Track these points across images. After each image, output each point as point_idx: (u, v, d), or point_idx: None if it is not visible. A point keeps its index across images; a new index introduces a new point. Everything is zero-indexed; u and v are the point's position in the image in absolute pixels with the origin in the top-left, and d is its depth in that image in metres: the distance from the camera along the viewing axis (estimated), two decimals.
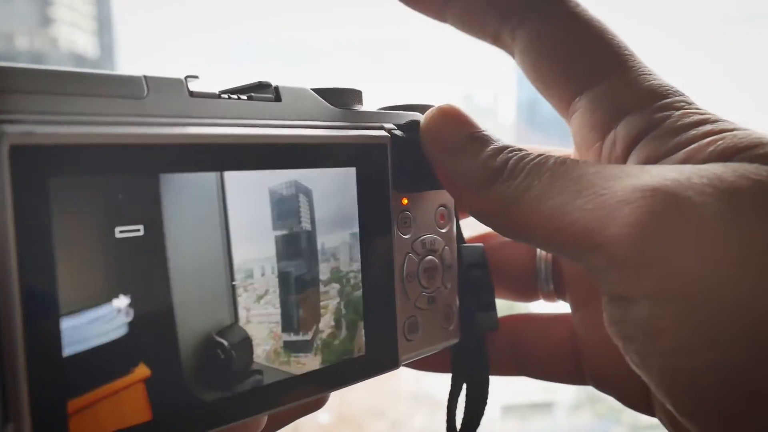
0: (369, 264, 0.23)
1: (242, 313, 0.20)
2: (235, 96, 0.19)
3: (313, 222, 0.21)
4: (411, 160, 0.23)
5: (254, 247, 0.20)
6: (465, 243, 0.28)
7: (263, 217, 0.20)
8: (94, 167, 0.16)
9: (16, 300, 0.14)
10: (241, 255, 0.19)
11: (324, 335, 0.22)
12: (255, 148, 0.19)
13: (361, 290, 0.22)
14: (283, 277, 0.20)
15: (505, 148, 0.21)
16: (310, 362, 0.21)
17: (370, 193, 0.22)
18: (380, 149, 0.23)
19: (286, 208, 0.20)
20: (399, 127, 0.24)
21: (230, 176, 0.19)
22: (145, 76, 0.17)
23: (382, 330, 0.23)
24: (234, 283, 0.19)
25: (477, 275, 0.27)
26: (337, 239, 0.22)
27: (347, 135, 0.22)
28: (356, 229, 0.22)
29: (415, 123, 0.23)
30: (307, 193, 0.21)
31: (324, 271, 0.22)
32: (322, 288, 0.22)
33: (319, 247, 0.21)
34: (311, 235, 0.21)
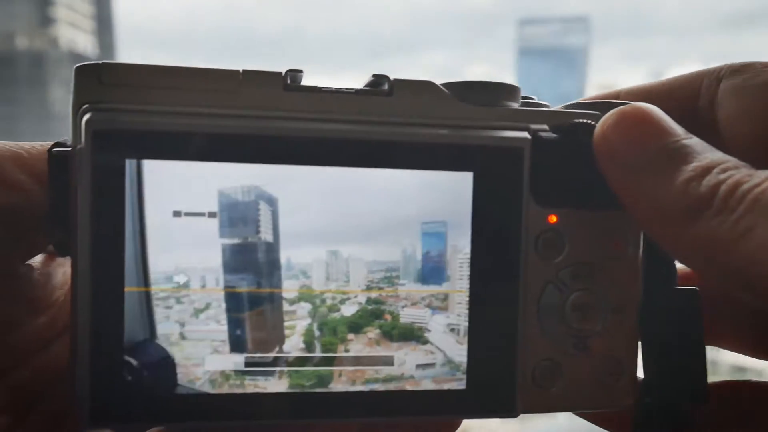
0: (481, 287, 0.19)
1: (170, 328, 0.18)
2: (341, 90, 0.19)
3: (276, 234, 0.18)
4: (570, 169, 0.19)
5: (190, 254, 0.18)
6: (675, 283, 0.21)
7: (207, 222, 0.18)
8: (165, 152, 0.17)
9: (86, 270, 0.17)
10: (164, 262, 0.17)
11: (290, 358, 0.19)
12: (334, 143, 0.18)
13: (467, 314, 0.19)
14: (232, 291, 0.18)
15: (713, 165, 0.15)
16: (273, 386, 0.18)
17: (491, 204, 0.19)
18: (512, 154, 0.19)
19: (239, 216, 0.18)
20: (554, 129, 0.19)
21: (151, 166, 0.17)
22: (243, 70, 0.18)
23: (494, 367, 0.20)
24: (152, 292, 0.17)
25: (681, 328, 0.20)
26: (309, 255, 0.19)
27: (458, 135, 0.19)
28: (340, 247, 0.19)
29: (580, 126, 0.19)
30: (271, 201, 0.18)
31: (290, 289, 0.19)
32: (286, 307, 0.19)
33: (283, 261, 0.18)
34: (272, 248, 0.18)
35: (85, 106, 0.17)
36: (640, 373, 0.21)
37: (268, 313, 0.18)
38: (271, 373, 0.18)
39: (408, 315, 0.19)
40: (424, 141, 0.18)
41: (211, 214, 0.17)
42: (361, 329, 0.19)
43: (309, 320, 0.19)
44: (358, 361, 0.19)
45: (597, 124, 0.18)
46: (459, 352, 0.19)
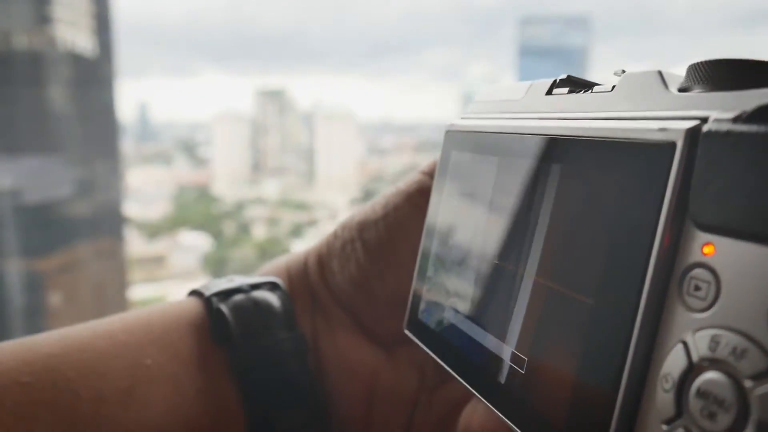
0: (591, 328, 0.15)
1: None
2: (578, 90, 0.20)
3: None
4: (747, 177, 0.12)
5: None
6: None
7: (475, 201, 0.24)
8: (471, 148, 0.23)
9: (428, 228, 0.26)
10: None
11: None
12: (527, 140, 0.20)
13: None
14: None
15: None
16: None
17: (619, 215, 0.15)
18: (647, 152, 0.14)
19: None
20: (737, 117, 0.13)
21: (458, 156, 0.25)
22: (531, 83, 0.22)
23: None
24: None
25: None
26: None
27: (584, 127, 0.17)
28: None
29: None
30: None
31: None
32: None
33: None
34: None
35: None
36: None
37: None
38: None
39: None
40: (568, 135, 0.18)
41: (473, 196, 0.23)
42: None
43: None
44: None
45: None
46: None
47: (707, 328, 0.13)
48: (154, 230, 37.63)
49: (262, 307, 0.28)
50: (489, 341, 0.19)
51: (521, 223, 0.19)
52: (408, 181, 0.29)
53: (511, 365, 0.18)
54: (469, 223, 0.22)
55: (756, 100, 0.13)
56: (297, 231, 39.29)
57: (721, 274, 0.13)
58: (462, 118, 0.25)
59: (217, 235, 38.11)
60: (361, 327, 0.29)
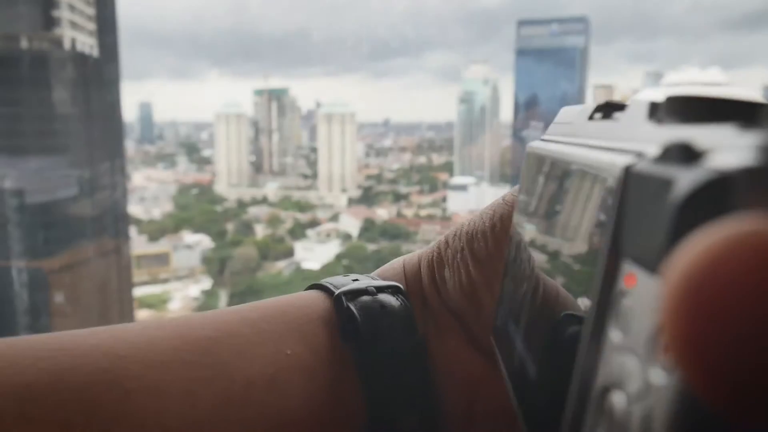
0: (550, 358, 0.18)
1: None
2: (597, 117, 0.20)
3: None
4: (652, 214, 0.12)
5: None
6: None
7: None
8: (532, 168, 0.24)
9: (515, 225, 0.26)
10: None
11: None
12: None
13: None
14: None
15: None
16: None
17: (589, 252, 0.16)
18: (602, 184, 0.15)
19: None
20: (660, 156, 0.13)
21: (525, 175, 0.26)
22: (582, 107, 0.22)
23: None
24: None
25: None
26: None
27: (567, 155, 0.18)
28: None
29: (671, 152, 0.12)
30: None
31: None
32: None
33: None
34: None
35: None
36: None
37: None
38: None
39: None
40: (558, 159, 0.20)
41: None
42: None
43: None
44: None
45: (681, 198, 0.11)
46: None
47: (622, 351, 0.13)
48: (157, 229, 37.48)
49: (387, 310, 0.29)
50: (519, 346, 0.22)
51: (534, 242, 0.22)
52: (514, 191, 0.29)
53: (526, 372, 0.20)
54: (518, 238, 0.25)
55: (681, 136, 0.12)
56: (298, 232, 39.09)
57: (636, 301, 0.13)
58: (541, 139, 0.25)
59: (219, 234, 37.93)
60: (469, 335, 0.30)
